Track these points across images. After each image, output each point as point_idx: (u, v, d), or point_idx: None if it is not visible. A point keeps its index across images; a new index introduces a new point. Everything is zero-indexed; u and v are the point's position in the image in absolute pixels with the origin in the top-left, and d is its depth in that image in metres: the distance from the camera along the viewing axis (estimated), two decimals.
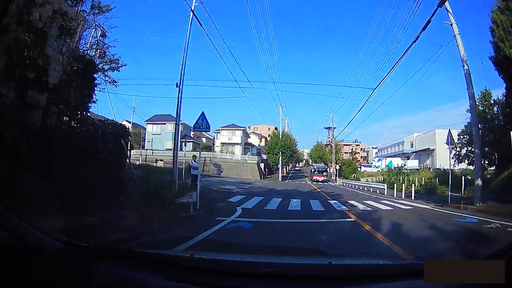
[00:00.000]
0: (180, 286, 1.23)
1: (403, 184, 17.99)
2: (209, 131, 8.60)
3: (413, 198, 14.67)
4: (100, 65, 10.21)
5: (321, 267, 1.59)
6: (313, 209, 9.03)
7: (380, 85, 17.03)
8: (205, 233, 4.99)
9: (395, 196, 16.25)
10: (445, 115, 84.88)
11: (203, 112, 8.74)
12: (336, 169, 42.66)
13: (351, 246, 4.69)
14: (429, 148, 37.58)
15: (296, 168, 68.51)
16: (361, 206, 10.11)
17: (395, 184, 18.30)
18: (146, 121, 47.38)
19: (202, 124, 8.63)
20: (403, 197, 15.56)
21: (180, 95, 8.49)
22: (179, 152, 40.36)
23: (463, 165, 19.60)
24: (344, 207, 9.75)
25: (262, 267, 1.53)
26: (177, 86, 8.54)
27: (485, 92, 16.77)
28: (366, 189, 22.26)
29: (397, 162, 35.96)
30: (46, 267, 1.24)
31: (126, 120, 55.68)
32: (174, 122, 45.77)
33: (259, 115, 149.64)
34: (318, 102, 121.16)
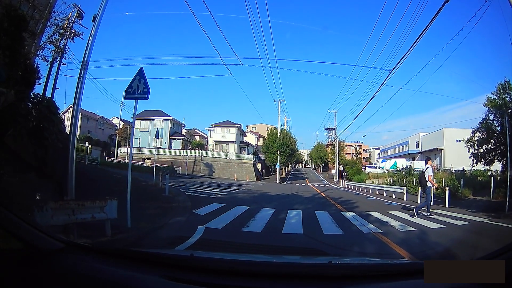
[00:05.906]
0: (180, 285, 1.20)
1: (419, 187, 15.06)
2: (147, 98, 5.15)
3: (447, 205, 11.46)
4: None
5: (321, 267, 1.58)
6: (324, 232, 5.45)
7: (400, 63, 13.45)
8: None
9: (419, 202, 12.90)
10: (442, 117, 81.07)
11: (141, 69, 5.26)
12: (339, 170, 39.13)
13: None
14: (437, 148, 35.83)
15: (296, 168, 65.14)
16: (395, 223, 6.61)
17: (406, 187, 16.12)
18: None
19: (139, 87, 5.14)
20: (431, 204, 12.22)
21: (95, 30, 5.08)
22: (167, 150, 36.37)
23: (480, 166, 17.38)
24: (372, 225, 6.24)
25: (262, 266, 1.55)
26: (93, 21, 5.17)
27: (505, 84, 15.13)
28: (378, 192, 18.70)
29: (402, 163, 34.21)
30: (46, 267, 1.22)
31: (117, 117, 52.68)
32: (163, 118, 41.90)
33: (257, 113, 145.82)
34: (319, 99, 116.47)
